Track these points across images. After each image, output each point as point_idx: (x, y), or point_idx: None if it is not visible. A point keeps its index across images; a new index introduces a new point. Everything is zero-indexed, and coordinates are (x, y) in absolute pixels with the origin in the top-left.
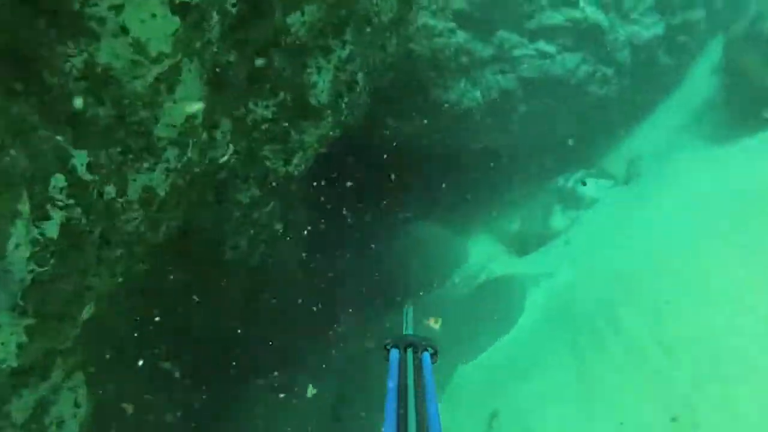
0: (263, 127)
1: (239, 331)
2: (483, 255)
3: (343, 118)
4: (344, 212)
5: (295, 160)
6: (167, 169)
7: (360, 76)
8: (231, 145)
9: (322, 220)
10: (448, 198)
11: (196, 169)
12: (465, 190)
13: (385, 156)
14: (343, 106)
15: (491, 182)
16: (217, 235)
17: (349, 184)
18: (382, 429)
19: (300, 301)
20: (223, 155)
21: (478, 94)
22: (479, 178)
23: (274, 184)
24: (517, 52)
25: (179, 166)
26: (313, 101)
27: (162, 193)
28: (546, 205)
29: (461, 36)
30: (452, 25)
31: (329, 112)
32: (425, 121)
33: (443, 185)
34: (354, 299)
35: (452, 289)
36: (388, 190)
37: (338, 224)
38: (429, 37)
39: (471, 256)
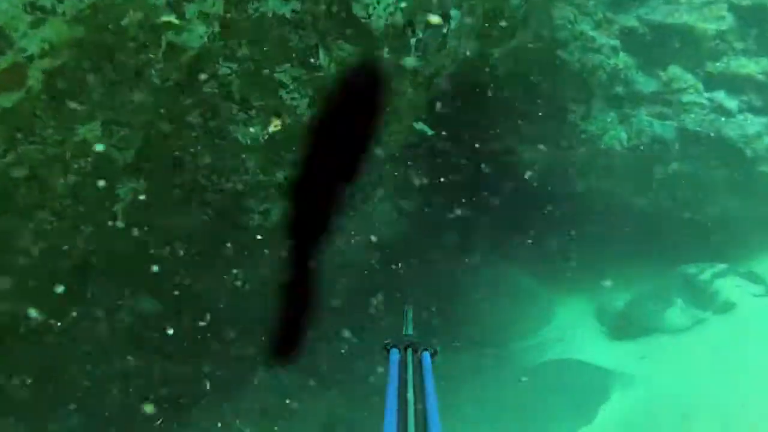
0: (277, 30)
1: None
2: (569, 325)
3: (411, 60)
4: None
5: None
6: (42, 9)
7: (455, 13)
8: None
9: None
10: (547, 244)
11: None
12: (570, 242)
13: (483, 168)
14: (413, 42)
15: (607, 242)
16: (221, 183)
17: (433, 182)
18: (382, 429)
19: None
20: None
21: (623, 134)
22: (593, 234)
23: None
24: (686, 98)
25: (76, 14)
26: (360, 13)
27: (32, 48)
28: (666, 293)
29: (623, 59)
30: (615, 43)
31: (386, 41)
32: (547, 144)
33: (545, 227)
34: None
35: (518, 353)
36: (477, 210)
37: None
38: (584, 49)
39: (554, 320)
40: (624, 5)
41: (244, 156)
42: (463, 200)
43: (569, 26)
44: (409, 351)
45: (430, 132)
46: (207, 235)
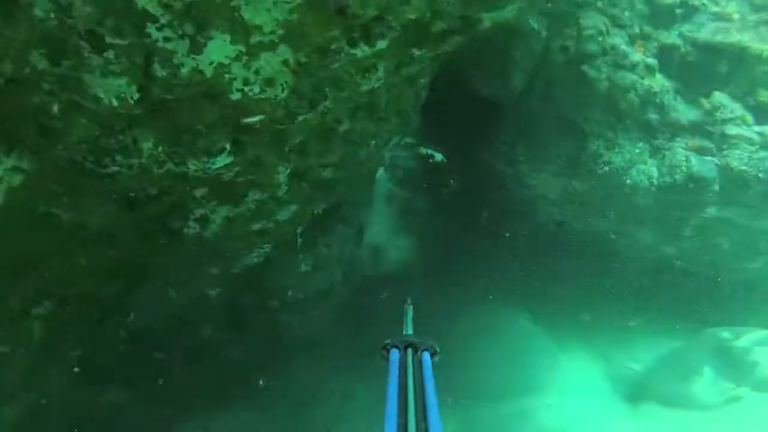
0: None
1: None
2: (575, 386)
3: None
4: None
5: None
6: None
7: None
8: None
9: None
10: (556, 288)
11: None
12: (583, 289)
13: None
14: None
15: (627, 293)
16: (106, 166)
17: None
18: (384, 429)
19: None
20: None
21: (654, 169)
22: (610, 282)
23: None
24: (732, 130)
25: None
26: None
27: None
28: (693, 359)
29: (659, 81)
30: (652, 61)
31: None
32: (564, 173)
33: (556, 269)
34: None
35: (509, 417)
36: (477, 247)
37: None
38: (615, 66)
39: (559, 379)
40: (665, 19)
41: (130, 129)
42: (461, 233)
43: (599, 38)
44: (409, 351)
45: (444, 158)
46: (131, 242)
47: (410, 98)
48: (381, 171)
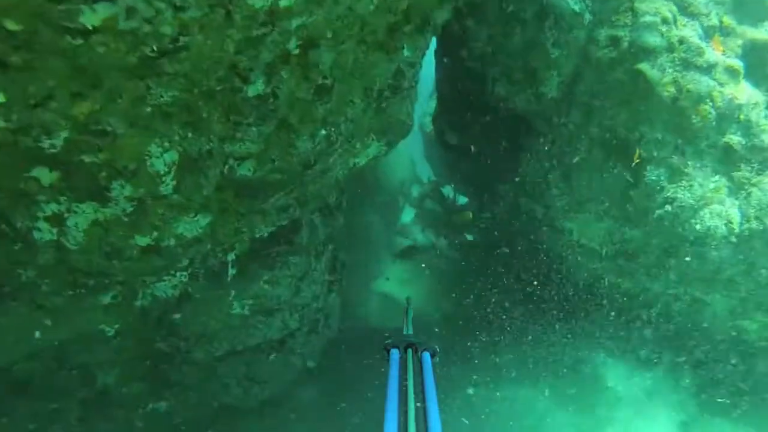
0: None
1: None
2: None
3: None
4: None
5: None
6: None
7: None
8: None
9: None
10: (591, 374)
11: None
12: (637, 375)
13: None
14: None
15: (700, 384)
16: None
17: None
18: (384, 428)
19: None
20: None
21: (735, 212)
22: (674, 367)
23: None
24: None
25: None
26: None
27: None
28: None
29: (745, 92)
30: (736, 63)
31: None
32: (608, 214)
33: (596, 348)
34: None
35: None
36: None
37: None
38: (684, 65)
39: None
40: (753, 9)
41: None
42: (480, 289)
43: (663, 28)
44: (410, 351)
45: (466, 201)
46: None
47: (382, 70)
48: (410, 212)
